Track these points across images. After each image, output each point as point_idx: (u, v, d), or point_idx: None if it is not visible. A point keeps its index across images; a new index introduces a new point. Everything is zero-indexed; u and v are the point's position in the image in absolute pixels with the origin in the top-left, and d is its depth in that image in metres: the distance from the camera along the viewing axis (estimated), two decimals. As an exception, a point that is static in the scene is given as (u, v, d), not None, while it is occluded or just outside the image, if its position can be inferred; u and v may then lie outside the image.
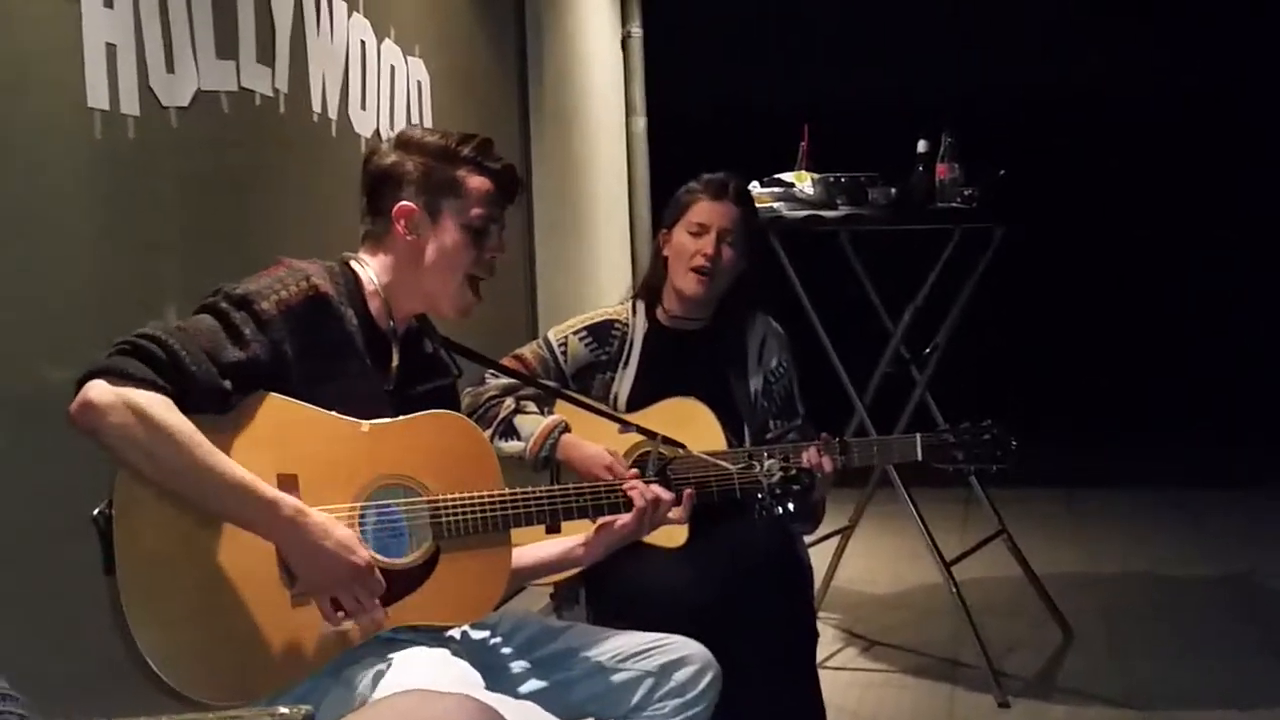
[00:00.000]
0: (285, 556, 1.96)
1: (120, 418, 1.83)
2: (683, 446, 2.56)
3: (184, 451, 1.86)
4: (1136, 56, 7.78)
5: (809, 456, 2.73)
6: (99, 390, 1.84)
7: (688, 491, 2.37)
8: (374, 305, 2.17)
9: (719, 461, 2.53)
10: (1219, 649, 4.28)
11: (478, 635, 2.28)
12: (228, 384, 1.94)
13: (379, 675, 1.98)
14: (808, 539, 3.09)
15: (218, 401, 1.93)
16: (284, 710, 1.67)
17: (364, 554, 1.98)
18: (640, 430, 2.57)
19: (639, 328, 3.06)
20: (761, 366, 3.05)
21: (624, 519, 2.31)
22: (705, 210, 3.02)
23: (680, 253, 3.02)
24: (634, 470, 2.40)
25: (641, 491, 2.30)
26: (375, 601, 2.00)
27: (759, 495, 2.43)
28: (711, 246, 2.99)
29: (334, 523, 1.97)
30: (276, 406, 1.99)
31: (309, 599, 1.97)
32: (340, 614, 1.98)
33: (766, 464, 2.45)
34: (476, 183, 2.21)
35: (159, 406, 1.85)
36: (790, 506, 2.43)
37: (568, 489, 2.27)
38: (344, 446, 2.03)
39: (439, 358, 2.30)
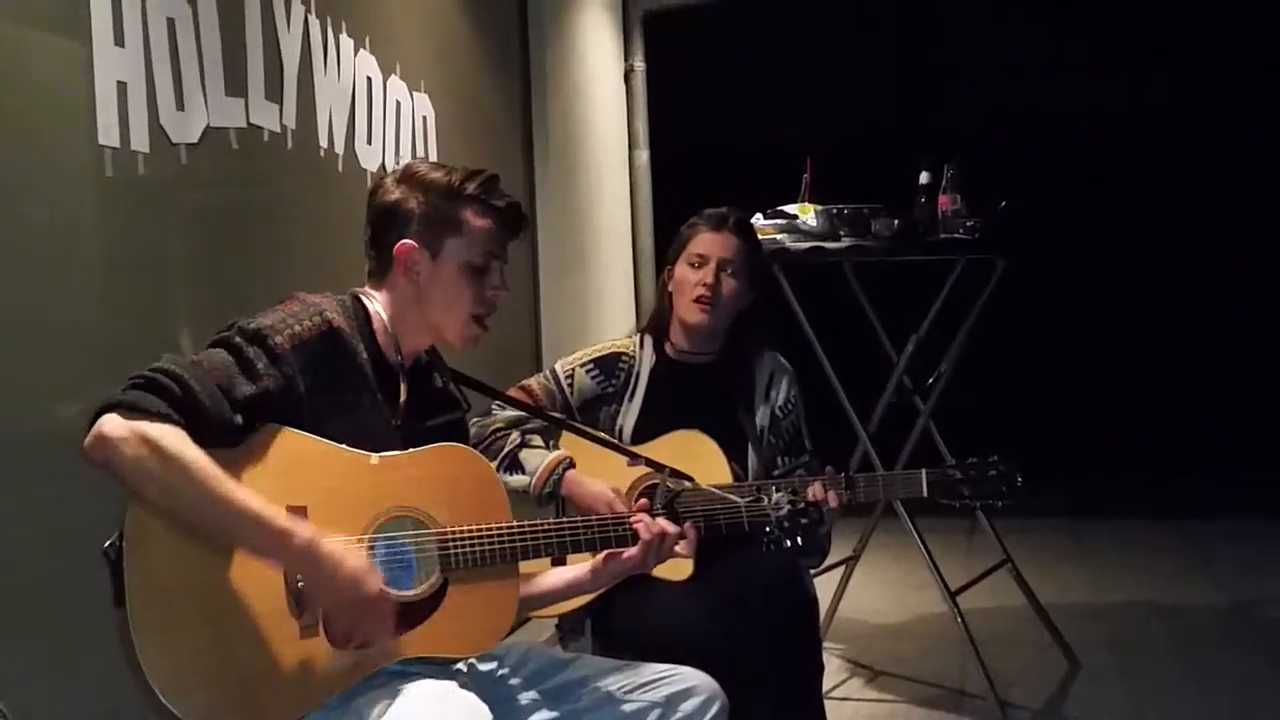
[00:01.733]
0: (302, 583, 1.97)
1: (134, 450, 1.84)
2: (690, 479, 2.57)
3: (197, 483, 1.86)
4: (1132, 75, 7.82)
5: (814, 491, 2.74)
6: (112, 424, 1.85)
7: (688, 526, 2.38)
8: (382, 339, 2.19)
9: (727, 495, 2.54)
10: (1226, 679, 4.27)
11: (485, 667, 2.28)
12: (239, 419, 1.95)
13: (387, 707, 1.99)
14: (813, 570, 3.10)
15: (229, 435, 1.95)
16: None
17: (375, 585, 1.98)
18: (649, 463, 2.58)
19: (646, 361, 3.08)
20: (769, 402, 3.07)
21: (630, 552, 2.31)
22: (705, 241, 3.05)
23: (682, 285, 3.05)
24: (642, 502, 2.40)
25: (648, 525, 2.31)
26: (387, 629, 2.01)
27: (767, 529, 2.43)
28: (712, 276, 3.01)
29: (346, 553, 1.97)
30: (287, 439, 2.00)
31: (317, 631, 1.98)
32: (353, 641, 1.99)
33: (775, 498, 2.45)
34: (480, 223, 2.21)
35: (173, 439, 1.86)
36: (798, 541, 2.43)
37: (575, 522, 2.27)
38: (353, 479, 2.05)
39: (448, 392, 2.32)
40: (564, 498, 2.85)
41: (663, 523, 2.33)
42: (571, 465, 2.86)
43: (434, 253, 2.20)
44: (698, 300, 3.01)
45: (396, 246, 2.19)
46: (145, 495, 1.87)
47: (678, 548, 2.35)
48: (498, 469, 2.85)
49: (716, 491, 2.55)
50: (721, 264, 3.03)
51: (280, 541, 1.92)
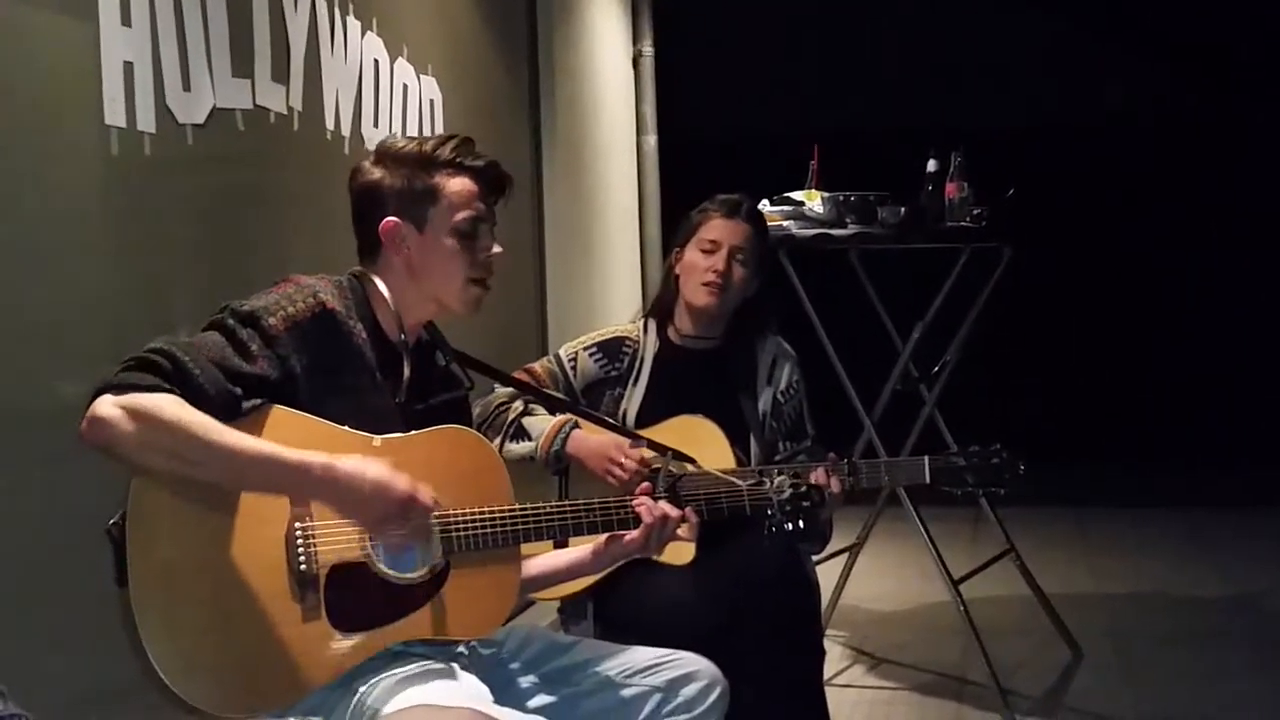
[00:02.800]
0: (334, 510, 1.98)
1: (129, 426, 1.83)
2: (693, 462, 2.57)
3: (200, 439, 1.85)
4: (1135, 69, 7.80)
5: (817, 477, 2.73)
6: (104, 405, 1.84)
7: (689, 509, 2.38)
8: (384, 318, 2.19)
9: (729, 478, 2.54)
10: (1229, 668, 4.28)
11: (486, 650, 2.28)
12: (238, 389, 1.95)
13: (388, 689, 1.99)
14: (816, 556, 3.11)
15: (227, 407, 1.93)
16: (294, 722, 1.69)
17: (402, 486, 1.96)
18: (651, 445, 2.58)
19: (650, 346, 3.08)
20: (771, 387, 3.07)
21: (632, 535, 2.31)
22: (718, 228, 3.04)
23: (692, 269, 3.04)
24: (644, 485, 2.40)
25: (650, 509, 2.31)
26: (429, 522, 2.03)
27: (769, 512, 2.43)
28: (723, 263, 3.01)
29: (365, 466, 1.95)
30: (285, 420, 2.00)
31: (320, 613, 1.99)
32: (407, 542, 2.02)
33: (776, 481, 2.45)
34: (456, 185, 2.19)
35: (168, 404, 1.85)
36: (800, 524, 2.43)
37: (577, 504, 2.28)
38: (355, 460, 2.04)
39: (451, 371, 2.31)
40: (571, 458, 2.84)
41: (664, 506, 2.33)
42: (577, 425, 2.85)
43: (419, 225, 2.18)
44: (707, 284, 3.01)
45: (381, 225, 2.18)
46: (151, 466, 1.86)
47: (680, 531, 2.35)
48: (503, 440, 2.86)
49: (718, 475, 2.55)
50: (733, 251, 3.02)
51: (298, 476, 1.92)
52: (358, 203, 2.23)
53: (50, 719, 1.58)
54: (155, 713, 1.95)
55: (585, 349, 3.07)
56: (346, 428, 2.05)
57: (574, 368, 3.05)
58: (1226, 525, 6.24)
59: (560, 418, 2.87)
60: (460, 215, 2.19)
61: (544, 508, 2.21)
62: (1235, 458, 7.02)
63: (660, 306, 3.14)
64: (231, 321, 2.01)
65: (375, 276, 2.20)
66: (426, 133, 3.89)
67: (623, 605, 2.81)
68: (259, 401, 1.99)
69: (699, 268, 3.02)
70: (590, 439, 2.83)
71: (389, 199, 2.18)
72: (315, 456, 1.93)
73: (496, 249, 2.24)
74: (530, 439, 2.86)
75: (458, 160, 2.20)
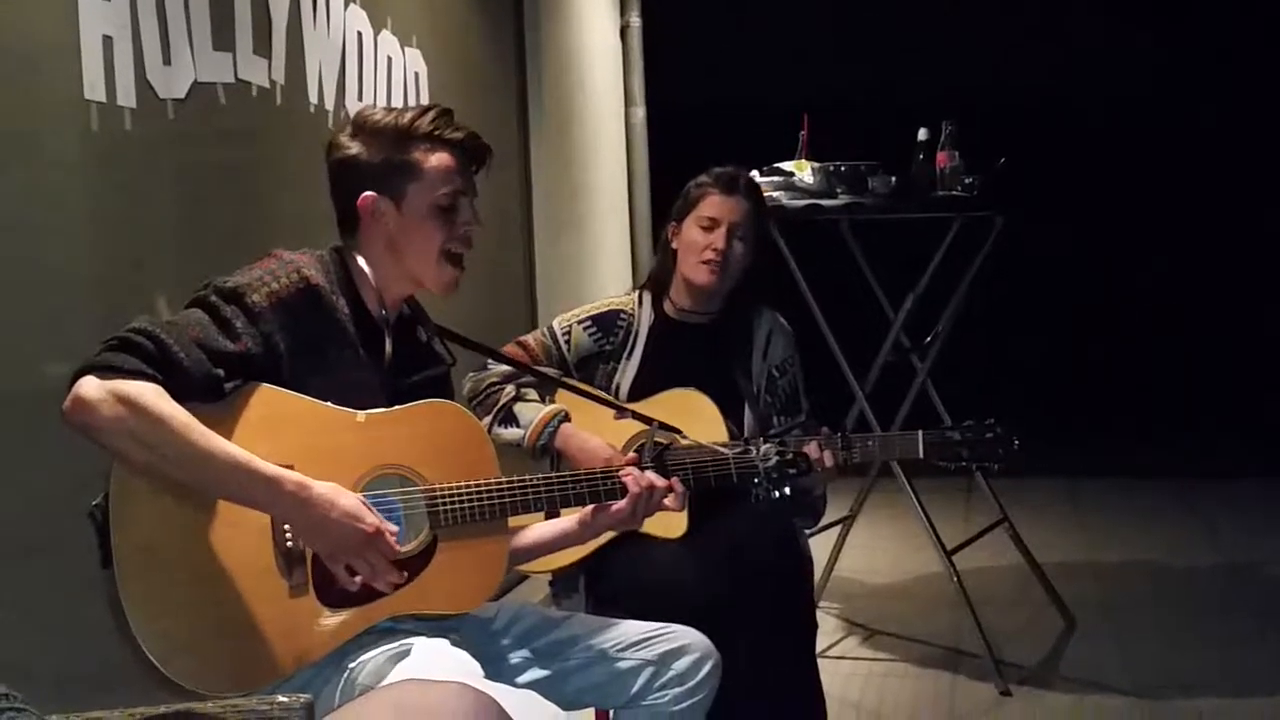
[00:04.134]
0: (294, 531, 1.96)
1: (111, 411, 1.83)
2: (679, 433, 2.55)
3: (179, 438, 1.85)
4: (1134, 39, 7.78)
5: (811, 451, 2.72)
6: (89, 386, 1.84)
7: (675, 479, 2.36)
8: (367, 293, 2.17)
9: (715, 447, 2.53)
10: (1221, 637, 4.28)
11: (477, 625, 2.27)
12: (220, 371, 1.93)
13: (378, 664, 1.99)
14: (808, 530, 3.09)
15: (210, 389, 1.93)
16: (283, 699, 1.68)
17: (371, 520, 1.97)
18: (636, 416, 2.56)
19: (644, 319, 3.06)
20: (766, 361, 3.05)
21: (619, 505, 2.30)
22: (716, 205, 3.01)
23: (691, 246, 3.01)
24: (631, 455, 2.39)
25: (636, 478, 2.29)
26: (388, 564, 2.01)
27: (755, 479, 2.43)
28: (723, 241, 2.98)
29: (339, 491, 1.96)
30: (269, 397, 1.99)
31: (307, 589, 1.97)
32: (357, 579, 1.99)
33: (763, 449, 2.45)
34: (436, 160, 2.16)
35: (150, 395, 1.85)
36: (786, 490, 2.43)
37: (564, 477, 2.26)
38: (339, 437, 2.03)
39: (433, 346, 2.30)
40: (558, 452, 2.83)
41: (651, 475, 2.31)
42: (566, 419, 2.84)
43: (397, 201, 2.15)
44: (707, 263, 2.98)
45: (359, 200, 2.15)
46: (127, 455, 1.86)
47: (666, 501, 2.34)
48: (492, 423, 2.84)
49: (705, 445, 2.53)
50: (732, 228, 2.99)
51: (270, 489, 1.91)
52: (335, 177, 2.20)
53: (37, 701, 1.57)
54: (143, 693, 1.94)
55: (579, 322, 3.05)
56: (330, 404, 2.03)
57: (567, 341, 3.03)
58: (1222, 494, 6.24)
59: (550, 409, 2.85)
60: (440, 192, 2.16)
61: (530, 480, 2.19)
62: (1232, 426, 7.03)
63: (656, 280, 3.11)
64: (215, 298, 1.99)
65: (355, 252, 2.18)
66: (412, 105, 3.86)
67: (615, 579, 2.79)
68: (240, 382, 1.97)
69: (698, 245, 2.99)
70: (578, 438, 2.80)
71: (366, 174, 2.15)
72: (290, 474, 1.93)
73: (476, 225, 2.21)
74: (519, 426, 2.84)
75: (436, 133, 2.17)
